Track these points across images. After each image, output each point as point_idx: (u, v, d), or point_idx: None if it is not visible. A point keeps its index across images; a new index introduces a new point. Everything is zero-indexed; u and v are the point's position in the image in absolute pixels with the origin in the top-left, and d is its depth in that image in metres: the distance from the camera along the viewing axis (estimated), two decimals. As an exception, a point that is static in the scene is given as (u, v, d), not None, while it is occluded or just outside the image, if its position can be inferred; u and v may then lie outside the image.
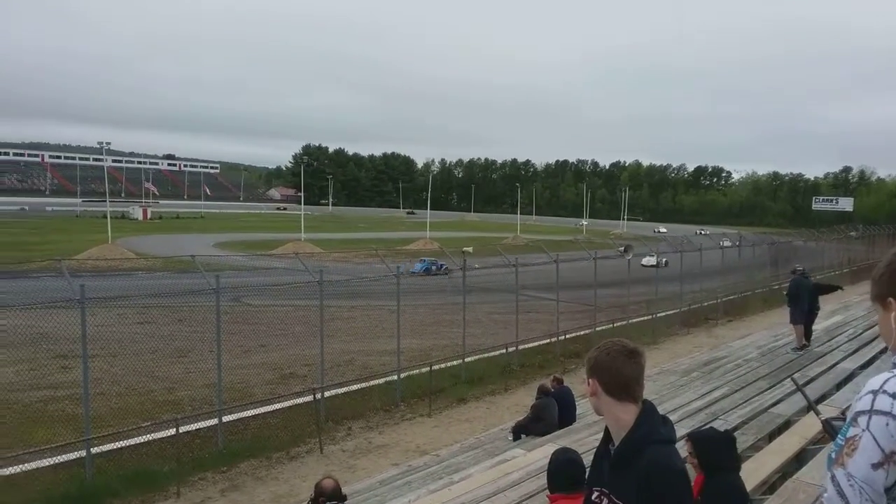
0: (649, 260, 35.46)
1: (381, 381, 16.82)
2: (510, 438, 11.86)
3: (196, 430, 13.03)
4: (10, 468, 10.84)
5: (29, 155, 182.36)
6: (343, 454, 12.94)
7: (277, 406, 14.99)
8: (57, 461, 11.40)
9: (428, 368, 16.38)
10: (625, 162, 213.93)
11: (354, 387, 16.41)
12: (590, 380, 2.61)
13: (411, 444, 13.48)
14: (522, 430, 11.89)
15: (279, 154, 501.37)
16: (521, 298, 20.27)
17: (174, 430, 11.69)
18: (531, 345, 20.67)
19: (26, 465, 11.08)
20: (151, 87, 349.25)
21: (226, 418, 13.29)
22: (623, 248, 27.38)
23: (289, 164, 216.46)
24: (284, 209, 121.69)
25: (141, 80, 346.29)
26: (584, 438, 9.71)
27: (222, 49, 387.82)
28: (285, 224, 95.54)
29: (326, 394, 14.89)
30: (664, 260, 32.67)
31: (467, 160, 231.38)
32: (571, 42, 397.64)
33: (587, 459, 4.14)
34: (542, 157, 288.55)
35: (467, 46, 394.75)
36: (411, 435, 14.06)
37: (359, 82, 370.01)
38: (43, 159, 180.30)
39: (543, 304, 22.66)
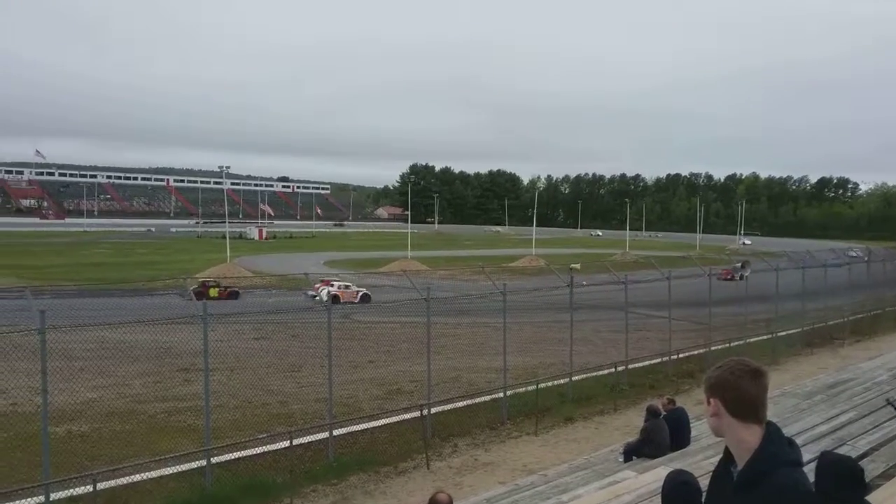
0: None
1: (487, 398, 16.75)
2: (620, 460, 11.52)
3: (308, 442, 13.36)
4: (137, 475, 11.42)
5: (156, 179, 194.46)
6: (449, 471, 12.94)
7: (385, 421, 15.18)
8: (179, 470, 11.93)
9: (534, 386, 16.19)
10: (741, 174, 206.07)
11: (460, 403, 16.41)
12: (711, 399, 2.50)
13: (518, 462, 13.33)
14: (633, 452, 11.53)
15: (386, 174, 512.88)
16: (631, 316, 19.76)
17: (288, 442, 12.04)
18: (641, 364, 20.09)
19: (151, 472, 11.65)
20: (267, 112, 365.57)
21: (336, 432, 13.56)
22: (740, 265, 26.26)
23: (396, 184, 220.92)
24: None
25: (258, 107, 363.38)
26: (699, 462, 9.30)
27: (331, 74, 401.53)
28: (392, 242, 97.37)
29: (433, 410, 14.95)
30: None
31: (574, 176, 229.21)
32: (682, 52, 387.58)
33: (703, 483, 3.94)
34: (652, 171, 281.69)
35: (573, 60, 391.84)
36: (518, 453, 13.90)
37: (466, 101, 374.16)
38: (168, 183, 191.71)
39: (654, 323, 22.02)
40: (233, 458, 12.59)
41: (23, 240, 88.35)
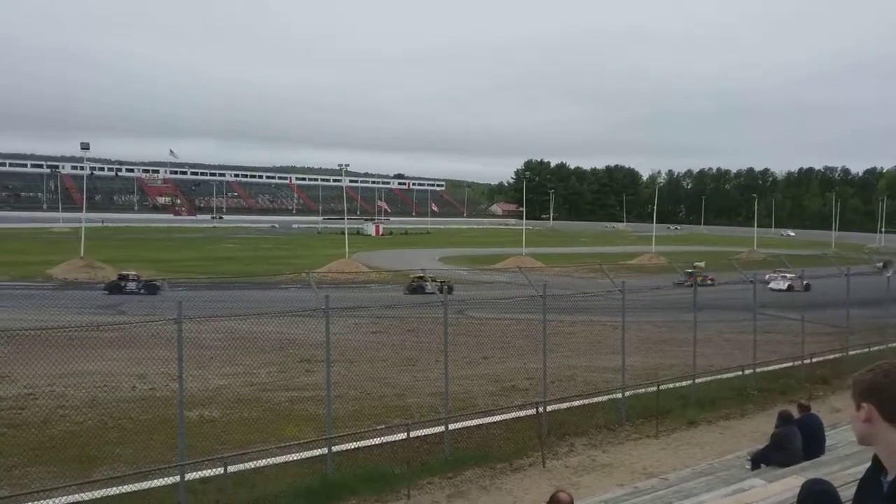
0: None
1: (605, 398, 16.38)
2: (748, 467, 10.95)
3: (424, 435, 13.49)
4: (263, 460, 11.89)
5: (279, 178, 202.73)
6: (566, 470, 12.73)
7: (500, 417, 15.12)
8: (302, 456, 12.33)
9: (655, 388, 15.69)
10: (881, 168, 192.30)
11: (577, 402, 16.13)
12: (863, 404, 2.30)
13: (637, 465, 12.95)
14: (762, 459, 10.94)
15: (501, 170, 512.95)
16: (759, 317, 18.79)
17: (405, 434, 12.20)
18: (771, 367, 19.08)
19: (276, 458, 12.09)
20: (384, 111, 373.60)
21: (452, 426, 13.62)
22: (882, 264, 24.47)
23: (511, 180, 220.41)
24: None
25: (376, 107, 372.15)
26: (835, 472, 8.69)
27: (444, 72, 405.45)
28: (507, 239, 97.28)
29: (549, 408, 14.75)
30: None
31: (697, 170, 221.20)
32: (814, 42, 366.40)
33: (842, 494, 3.65)
34: (782, 164, 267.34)
35: (695, 49, 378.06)
36: (637, 456, 13.51)
37: (583, 95, 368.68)
38: (291, 181, 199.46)
39: (785, 324, 20.86)
40: (352, 447, 12.89)
41: (158, 235, 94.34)
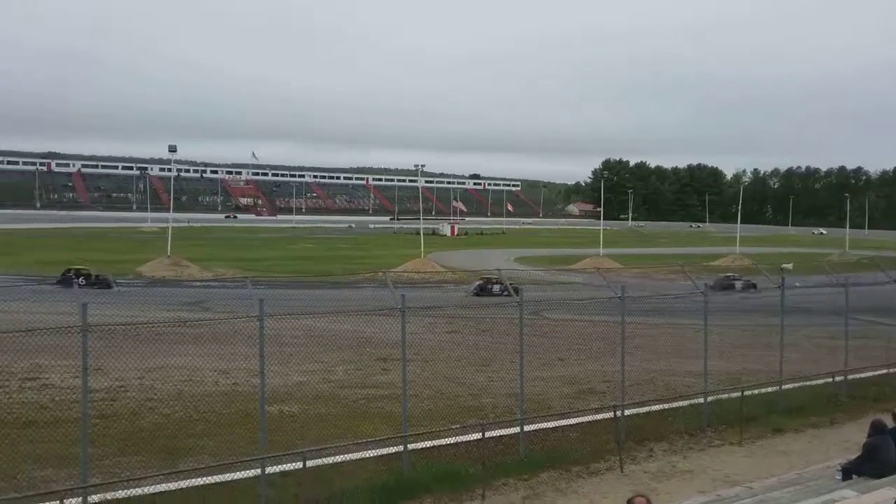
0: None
1: (685, 403, 15.94)
2: (838, 478, 10.47)
3: (499, 436, 13.41)
4: (340, 456, 12.05)
5: (356, 178, 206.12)
6: (644, 475, 12.45)
7: (576, 420, 14.91)
8: (378, 454, 12.44)
9: (739, 393, 15.17)
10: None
11: (656, 407, 15.74)
12: None
13: (719, 472, 12.55)
14: (853, 470, 10.44)
15: (578, 170, 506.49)
16: (852, 322, 17.94)
17: (480, 434, 12.16)
18: (864, 374, 18.20)
19: (353, 454, 12.23)
20: (460, 112, 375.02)
21: (527, 427, 13.51)
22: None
23: (588, 180, 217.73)
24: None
25: (451, 108, 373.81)
26: (934, 487, 8.22)
27: (521, 70, 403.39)
28: (584, 239, 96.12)
29: (626, 412, 14.46)
30: None
31: (784, 169, 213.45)
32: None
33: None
34: (877, 163, 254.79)
35: (779, 46, 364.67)
36: (719, 463, 13.10)
37: (663, 93, 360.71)
38: (367, 182, 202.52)
39: (880, 330, 19.86)
40: (427, 446, 12.92)
41: (241, 235, 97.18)
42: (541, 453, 13.13)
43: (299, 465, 10.42)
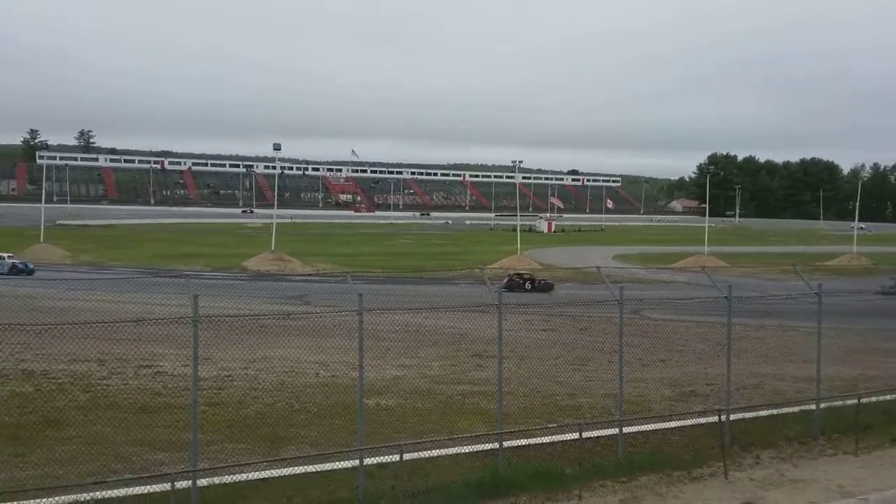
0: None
1: (796, 409, 15.16)
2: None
3: (597, 437, 13.16)
4: (436, 451, 12.11)
5: (453, 175, 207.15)
6: (751, 483, 11.91)
7: (677, 423, 14.45)
8: (473, 450, 12.43)
9: (854, 400, 14.31)
10: None
11: (763, 412, 15.05)
12: None
13: (832, 482, 11.87)
14: None
15: (682, 165, 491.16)
16: None
17: (577, 434, 11.96)
18: None
19: (447, 450, 12.27)
20: (559, 108, 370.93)
21: (626, 429, 13.19)
22: None
23: (692, 175, 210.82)
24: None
25: (548, 103, 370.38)
26: None
27: (622, 64, 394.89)
28: (687, 237, 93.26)
29: (732, 416, 13.88)
30: None
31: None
32: None
33: None
34: None
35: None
36: (832, 473, 12.38)
37: (773, 84, 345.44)
38: (464, 178, 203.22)
39: None
40: (522, 444, 12.82)
41: (339, 230, 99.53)
42: (640, 456, 12.78)
43: (396, 457, 10.54)
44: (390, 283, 38.01)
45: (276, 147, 70.06)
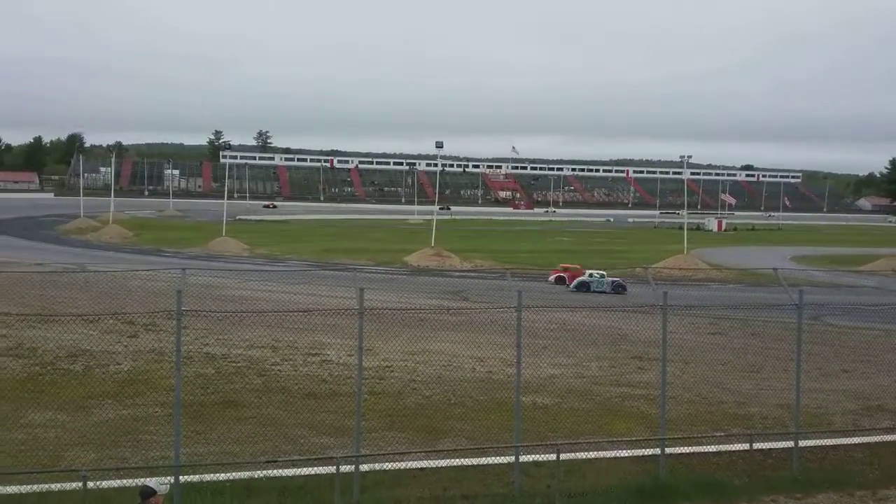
0: None
1: None
2: None
3: (768, 449, 12.33)
4: (593, 452, 11.84)
5: (616, 171, 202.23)
6: (949, 511, 10.68)
7: (862, 439, 13.27)
8: (632, 454, 12.04)
9: None
10: None
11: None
12: None
13: None
14: None
15: (871, 159, 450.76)
16: None
17: (747, 445, 11.28)
18: None
19: (605, 452, 11.96)
20: (732, 99, 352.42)
21: (802, 442, 12.25)
22: None
23: (884, 170, 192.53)
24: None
25: (721, 95, 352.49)
26: None
27: (799, 51, 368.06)
28: (878, 238, 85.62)
29: (928, 436, 12.53)
30: None
31: None
32: None
33: None
34: None
35: None
36: None
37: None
38: (628, 174, 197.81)
39: None
40: (685, 451, 12.29)
41: (498, 227, 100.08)
42: (818, 472, 11.83)
43: (552, 456, 10.39)
44: (547, 279, 37.72)
45: (439, 145, 71.67)
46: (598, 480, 10.99)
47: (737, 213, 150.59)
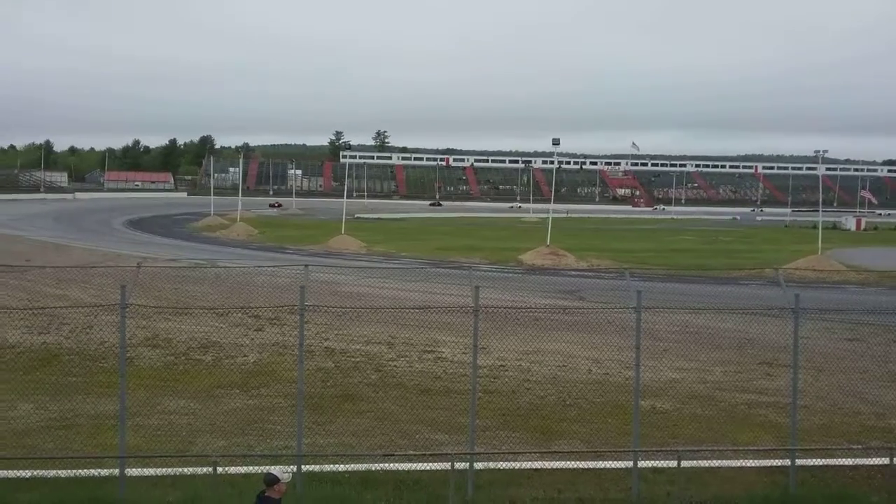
0: None
1: None
2: None
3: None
4: (717, 461, 11.38)
5: (743, 167, 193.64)
6: None
7: None
8: (759, 464, 11.48)
9: None
10: None
11: None
12: None
13: None
14: None
15: None
16: None
17: (887, 459, 10.50)
18: None
19: (729, 461, 11.50)
20: (873, 89, 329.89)
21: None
22: None
23: None
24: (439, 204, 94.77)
25: (860, 85, 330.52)
26: None
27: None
28: None
29: None
30: None
31: None
32: None
33: None
34: None
35: None
36: None
37: None
38: (756, 170, 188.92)
39: None
40: (818, 463, 11.58)
41: (616, 226, 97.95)
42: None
43: (673, 463, 10.05)
44: (670, 281, 36.42)
45: (555, 142, 71.04)
46: (721, 490, 10.53)
47: (877, 210, 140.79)
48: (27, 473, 10.10)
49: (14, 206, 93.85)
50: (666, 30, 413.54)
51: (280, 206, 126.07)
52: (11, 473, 10.11)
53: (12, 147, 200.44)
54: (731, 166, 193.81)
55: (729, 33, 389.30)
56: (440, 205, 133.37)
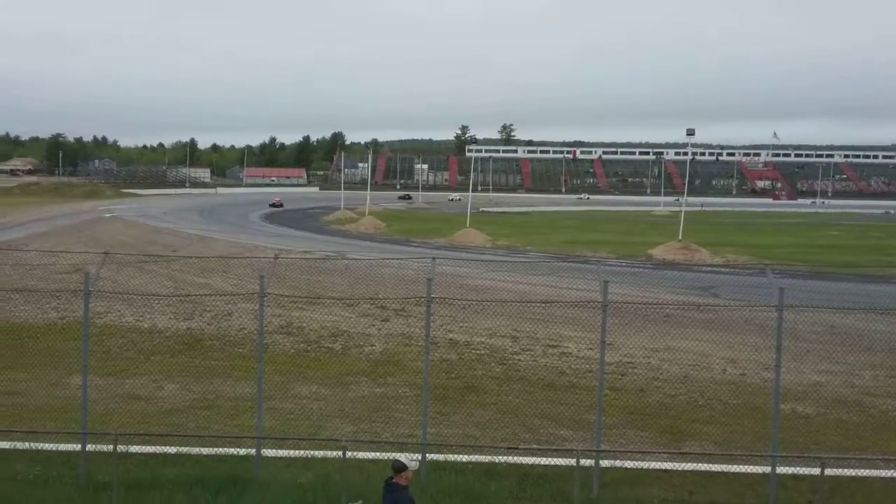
0: None
1: None
2: None
3: None
4: (864, 470, 10.68)
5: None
6: None
7: None
8: None
9: None
10: None
11: None
12: None
13: None
14: None
15: None
16: None
17: None
18: None
19: (879, 471, 10.73)
20: None
21: None
22: None
23: None
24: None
25: None
26: None
27: None
28: None
29: None
30: None
31: None
32: None
33: None
34: None
35: None
36: None
37: None
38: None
39: None
40: None
41: (755, 219, 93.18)
42: None
43: (815, 471, 9.43)
44: (814, 278, 34.23)
45: (690, 132, 68.46)
46: (868, 501, 9.81)
47: None
48: (172, 450, 10.80)
49: (165, 201, 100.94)
50: (808, 7, 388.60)
51: (409, 198, 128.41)
52: (159, 449, 10.84)
53: (161, 145, 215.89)
54: (884, 156, 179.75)
55: (883, 6, 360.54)
56: (409, 197, 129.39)
